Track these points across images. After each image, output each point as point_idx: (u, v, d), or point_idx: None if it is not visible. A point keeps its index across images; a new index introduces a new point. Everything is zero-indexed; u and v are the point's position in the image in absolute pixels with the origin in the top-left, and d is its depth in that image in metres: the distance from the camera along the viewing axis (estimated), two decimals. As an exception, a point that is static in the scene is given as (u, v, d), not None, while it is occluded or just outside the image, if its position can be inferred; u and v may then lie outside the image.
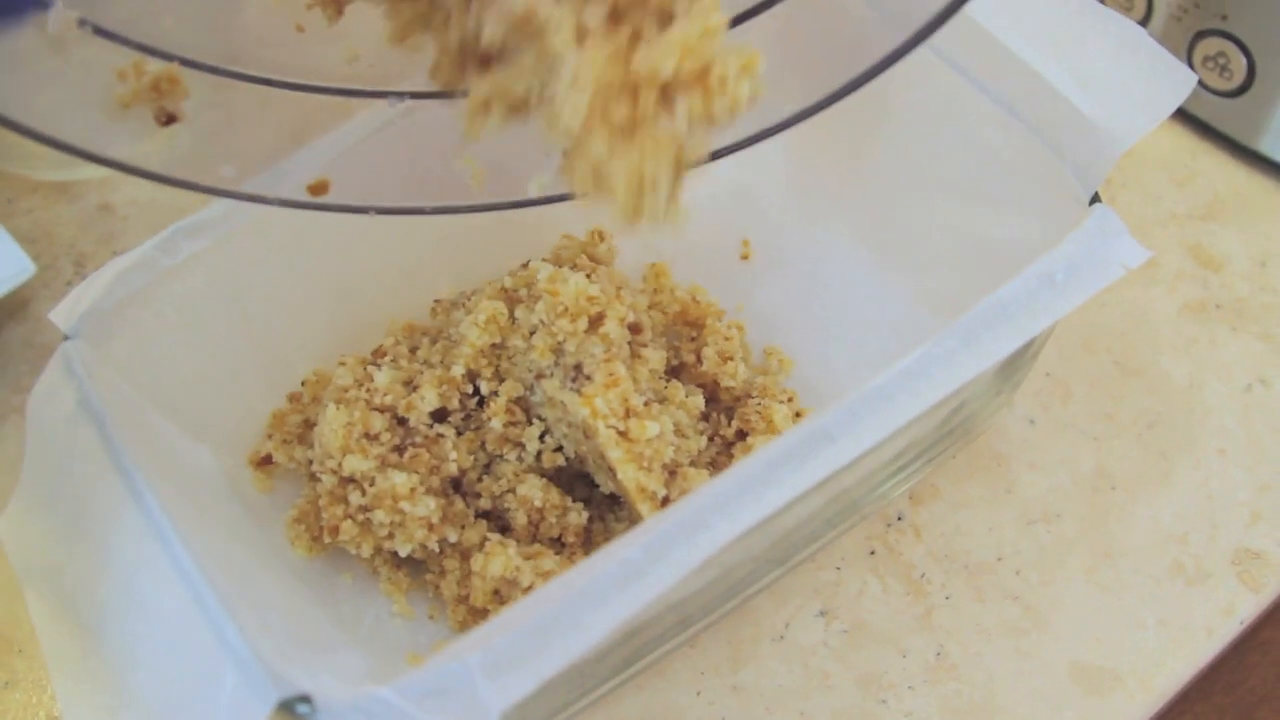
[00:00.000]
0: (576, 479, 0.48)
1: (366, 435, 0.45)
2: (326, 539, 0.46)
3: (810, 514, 0.45)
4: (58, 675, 0.37)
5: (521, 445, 0.46)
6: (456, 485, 0.47)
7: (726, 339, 0.51)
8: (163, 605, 0.36)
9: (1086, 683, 0.47)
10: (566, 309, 0.44)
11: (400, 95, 0.41)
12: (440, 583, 0.47)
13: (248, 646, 0.35)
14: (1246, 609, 0.50)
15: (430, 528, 0.45)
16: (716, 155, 0.38)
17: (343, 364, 0.48)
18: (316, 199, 0.40)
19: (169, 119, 0.39)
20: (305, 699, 0.34)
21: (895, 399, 0.38)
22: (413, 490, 0.44)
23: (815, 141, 0.56)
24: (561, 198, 0.38)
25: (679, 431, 0.47)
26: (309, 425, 0.49)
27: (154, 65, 0.38)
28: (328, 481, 0.45)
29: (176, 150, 0.40)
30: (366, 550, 0.46)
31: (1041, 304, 0.40)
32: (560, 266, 0.46)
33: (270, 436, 0.49)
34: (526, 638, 0.34)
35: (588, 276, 0.45)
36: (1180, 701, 0.51)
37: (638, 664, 0.45)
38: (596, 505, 0.48)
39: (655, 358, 0.47)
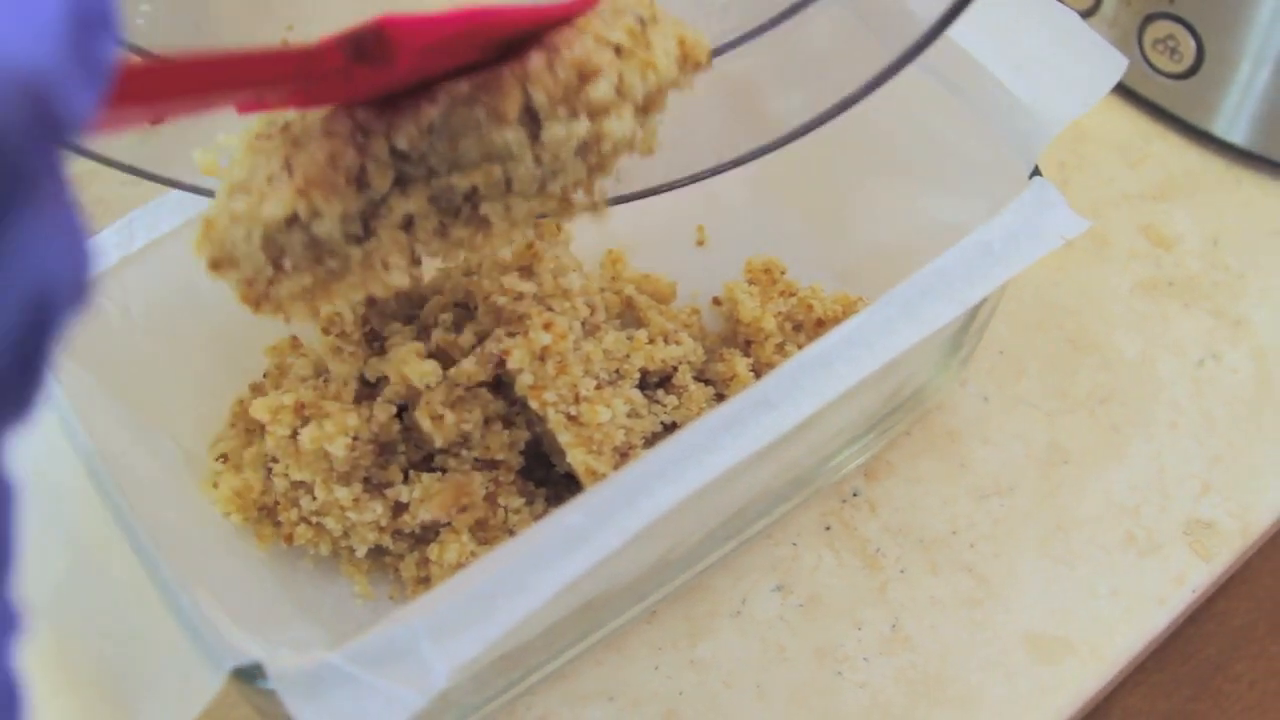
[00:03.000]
0: (535, 460, 0.49)
1: None
2: (284, 545, 0.47)
3: (763, 487, 0.46)
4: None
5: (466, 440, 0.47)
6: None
7: (687, 324, 0.52)
8: (116, 581, 0.37)
9: (1039, 652, 0.48)
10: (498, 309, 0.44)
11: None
12: (399, 565, 0.47)
13: (201, 617, 0.35)
14: (1198, 578, 0.50)
15: (380, 529, 0.46)
16: (692, 180, 0.40)
17: (304, 355, 0.49)
18: None
19: None
20: (257, 667, 0.35)
21: (834, 366, 0.39)
22: (356, 500, 0.45)
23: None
24: None
25: (633, 413, 0.47)
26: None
27: None
28: (279, 485, 0.46)
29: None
30: (325, 550, 0.46)
31: (979, 273, 0.41)
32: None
33: (233, 425, 0.50)
34: (472, 602, 0.34)
35: (521, 272, 0.45)
36: (1137, 672, 0.52)
37: (593, 636, 0.45)
38: (554, 485, 0.49)
39: (610, 338, 0.48)
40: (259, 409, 0.45)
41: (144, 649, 0.36)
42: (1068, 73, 0.45)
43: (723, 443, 0.37)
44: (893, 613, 0.49)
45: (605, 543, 0.35)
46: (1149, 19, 0.60)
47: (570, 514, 0.36)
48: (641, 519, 0.36)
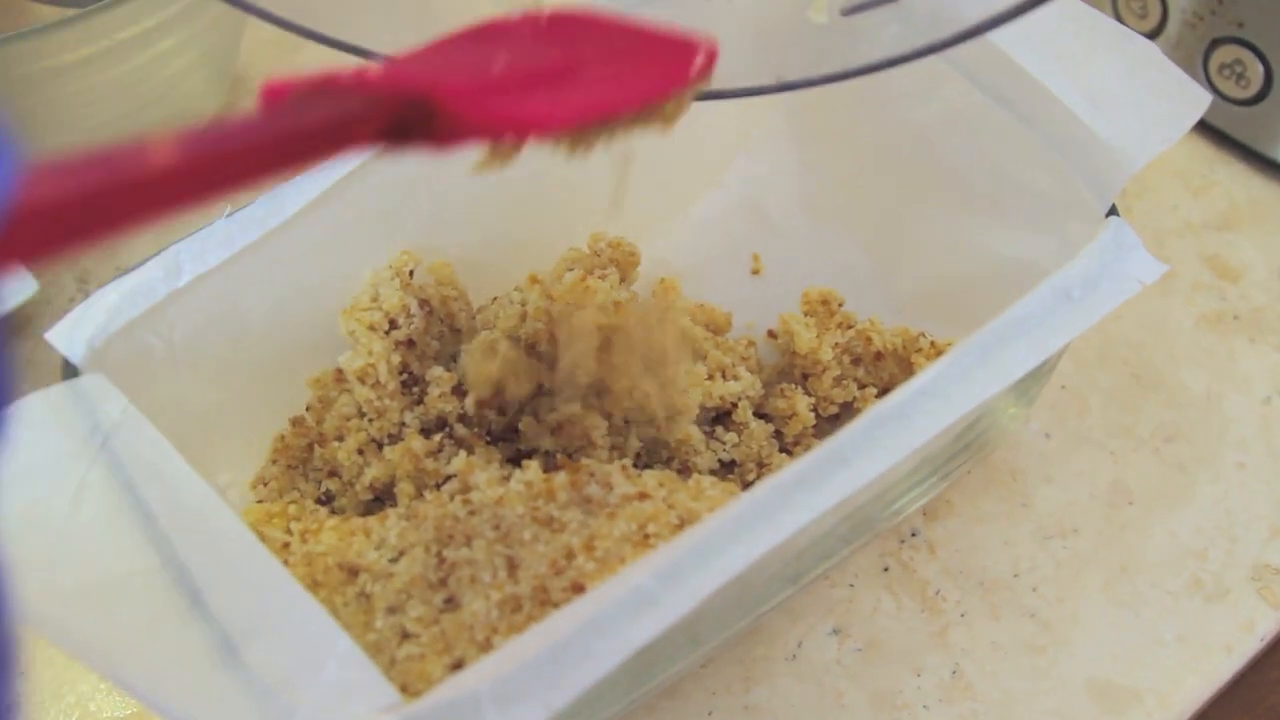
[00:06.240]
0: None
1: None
2: None
3: (825, 532, 0.44)
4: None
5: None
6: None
7: (744, 357, 0.50)
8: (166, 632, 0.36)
9: (1104, 701, 0.47)
10: (579, 330, 0.43)
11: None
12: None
13: (256, 675, 0.34)
14: (1267, 625, 0.49)
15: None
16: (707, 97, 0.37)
17: (347, 390, 0.47)
18: None
19: None
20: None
21: (911, 419, 0.37)
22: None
23: (826, 154, 0.55)
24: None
25: (693, 450, 0.46)
26: (312, 448, 0.48)
27: None
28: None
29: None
30: None
31: (1058, 320, 0.39)
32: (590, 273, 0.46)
33: (275, 461, 0.48)
34: (536, 668, 0.33)
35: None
36: None
37: (648, 684, 0.44)
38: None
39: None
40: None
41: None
42: (1146, 108, 0.43)
43: (796, 500, 0.36)
44: (953, 658, 0.48)
45: (675, 607, 0.34)
46: (1215, 43, 0.59)
47: (638, 575, 0.34)
48: (713, 581, 0.34)
